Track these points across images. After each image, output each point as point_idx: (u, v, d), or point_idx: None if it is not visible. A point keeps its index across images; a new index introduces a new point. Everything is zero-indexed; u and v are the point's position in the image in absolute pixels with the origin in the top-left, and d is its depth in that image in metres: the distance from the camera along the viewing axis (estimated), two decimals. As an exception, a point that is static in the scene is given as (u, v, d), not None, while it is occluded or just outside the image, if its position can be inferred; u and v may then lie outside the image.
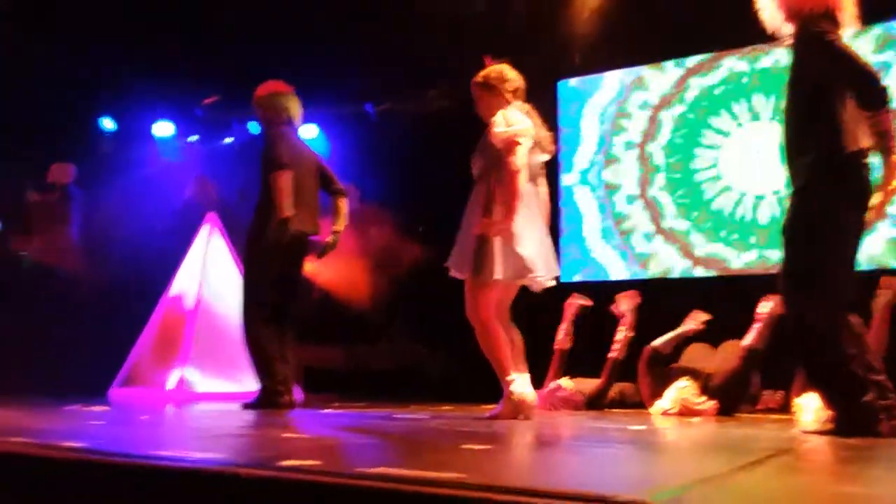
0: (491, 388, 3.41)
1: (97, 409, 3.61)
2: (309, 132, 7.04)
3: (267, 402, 3.98)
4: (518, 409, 3.25)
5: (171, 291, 5.45)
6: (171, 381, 5.02)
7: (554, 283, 3.44)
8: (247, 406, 4.01)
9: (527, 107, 3.44)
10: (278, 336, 4.11)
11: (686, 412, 3.96)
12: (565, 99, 6.40)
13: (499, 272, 3.19)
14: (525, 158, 3.22)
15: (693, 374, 4.19)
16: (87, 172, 6.37)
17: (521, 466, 1.69)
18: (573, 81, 6.37)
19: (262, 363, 4.03)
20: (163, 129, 6.97)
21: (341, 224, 4.41)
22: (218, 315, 5.22)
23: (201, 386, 5.10)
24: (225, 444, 2.11)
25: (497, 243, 3.19)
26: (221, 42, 6.00)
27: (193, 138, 7.05)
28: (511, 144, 3.20)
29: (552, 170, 6.37)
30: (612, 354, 4.55)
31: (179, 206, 6.28)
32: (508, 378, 3.23)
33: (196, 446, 1.96)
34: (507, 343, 3.27)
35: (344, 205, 4.46)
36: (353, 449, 2.05)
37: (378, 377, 6.16)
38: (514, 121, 3.27)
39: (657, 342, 4.42)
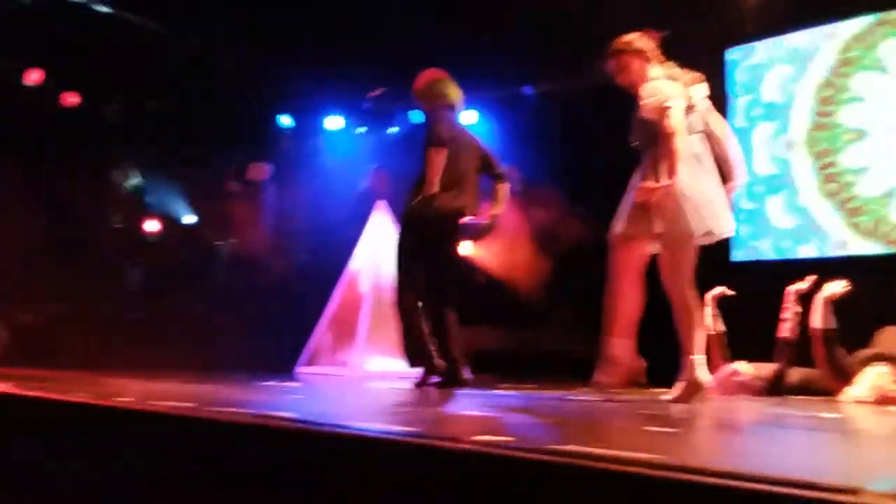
0: (657, 370, 3.34)
1: (290, 384, 3.91)
2: (469, 117, 7.17)
3: (448, 379, 4.02)
4: (695, 393, 3.17)
5: (347, 276, 5.77)
6: (350, 361, 5.34)
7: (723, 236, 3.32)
8: (419, 384, 4.08)
9: (669, 64, 3.33)
10: (431, 313, 4.14)
11: (883, 401, 3.68)
12: (736, 68, 6.08)
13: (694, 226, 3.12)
14: (680, 120, 3.13)
15: (891, 360, 3.87)
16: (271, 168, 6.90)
17: (714, 450, 1.67)
18: (744, 49, 6.04)
19: (410, 339, 4.11)
20: (334, 122, 7.37)
21: (499, 208, 4.42)
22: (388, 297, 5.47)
23: (376, 365, 5.37)
24: (416, 418, 2.24)
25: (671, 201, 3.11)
26: (383, 34, 6.22)
27: (361, 130, 7.39)
28: (662, 111, 3.12)
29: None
30: (782, 335, 4.29)
31: (354, 197, 6.62)
32: (693, 357, 3.15)
33: (386, 420, 2.09)
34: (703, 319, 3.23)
35: (503, 189, 4.47)
36: (538, 428, 2.10)
37: (542, 359, 6.19)
38: (659, 87, 3.19)
39: (817, 322, 4.10)
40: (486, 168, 4.44)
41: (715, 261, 5.89)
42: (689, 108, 3.23)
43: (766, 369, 4.33)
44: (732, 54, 6.09)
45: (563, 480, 1.32)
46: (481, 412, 2.46)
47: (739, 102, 6.11)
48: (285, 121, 7.45)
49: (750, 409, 3.25)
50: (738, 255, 6.05)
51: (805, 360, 4.28)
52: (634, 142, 3.31)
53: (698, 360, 3.18)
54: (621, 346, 3.23)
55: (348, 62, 6.48)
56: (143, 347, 5.52)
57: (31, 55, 6.39)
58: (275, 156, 7.21)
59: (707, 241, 3.25)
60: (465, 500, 1.46)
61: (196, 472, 1.96)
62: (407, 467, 1.56)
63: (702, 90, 3.37)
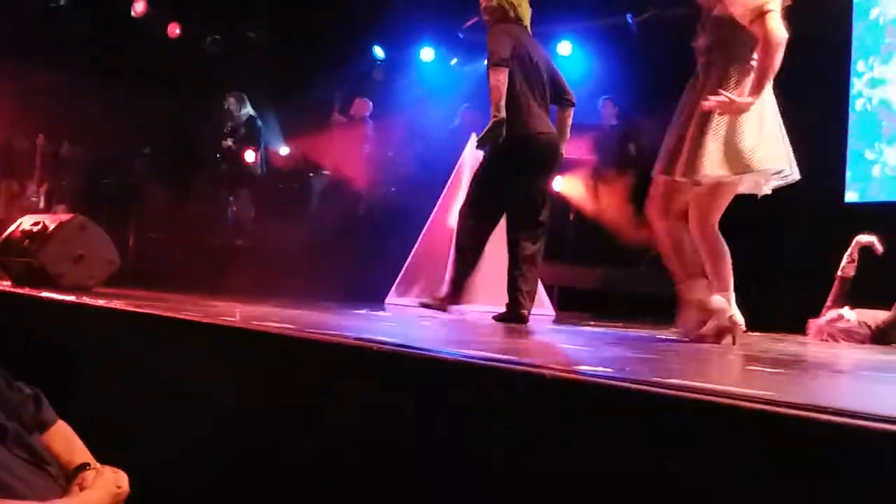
0: (746, 311, 3.19)
1: (381, 313, 4.00)
2: (563, 49, 6.95)
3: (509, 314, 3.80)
4: (727, 332, 2.91)
5: (439, 210, 5.79)
6: (440, 292, 5.39)
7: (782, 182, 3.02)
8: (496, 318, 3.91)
9: None
10: (519, 246, 3.90)
11: None
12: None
13: (720, 167, 2.79)
14: (783, 28, 2.70)
15: None
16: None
17: (830, 390, 1.61)
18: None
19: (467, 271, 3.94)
20: (427, 54, 7.30)
21: (566, 138, 4.10)
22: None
23: (466, 297, 5.41)
24: (508, 347, 2.25)
25: (715, 134, 2.78)
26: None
27: (454, 62, 7.30)
28: (760, 13, 2.68)
29: (842, 71, 5.72)
30: None
31: (447, 131, 6.60)
32: (724, 295, 2.88)
33: (482, 347, 2.10)
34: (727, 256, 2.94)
35: (570, 117, 4.11)
36: (636, 363, 2.07)
37: (633, 300, 6.09)
38: None
39: None
40: (555, 91, 4.06)
41: (829, 202, 5.68)
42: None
43: (873, 317, 4.13)
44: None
45: (669, 414, 1.29)
46: (574, 345, 2.44)
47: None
48: (379, 52, 7.43)
49: (856, 355, 3.11)
50: (852, 196, 5.73)
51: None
52: (701, 44, 2.92)
53: (729, 298, 2.94)
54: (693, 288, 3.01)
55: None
56: (245, 273, 5.74)
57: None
58: (369, 88, 7.24)
59: (772, 182, 2.97)
60: (566, 429, 1.46)
61: (294, 390, 2.04)
62: (499, 392, 1.57)
63: None
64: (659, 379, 1.41)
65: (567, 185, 6.30)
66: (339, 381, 1.97)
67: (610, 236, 5.90)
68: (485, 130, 3.73)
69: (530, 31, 4.05)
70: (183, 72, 6.73)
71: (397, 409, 1.77)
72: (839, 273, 4.37)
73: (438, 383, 1.73)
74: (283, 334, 2.18)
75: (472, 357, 1.73)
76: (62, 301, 3.25)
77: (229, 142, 6.80)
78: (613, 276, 6.31)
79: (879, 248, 4.29)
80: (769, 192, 3.05)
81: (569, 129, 4.11)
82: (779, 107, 2.95)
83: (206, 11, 6.81)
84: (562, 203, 6.49)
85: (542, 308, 5.62)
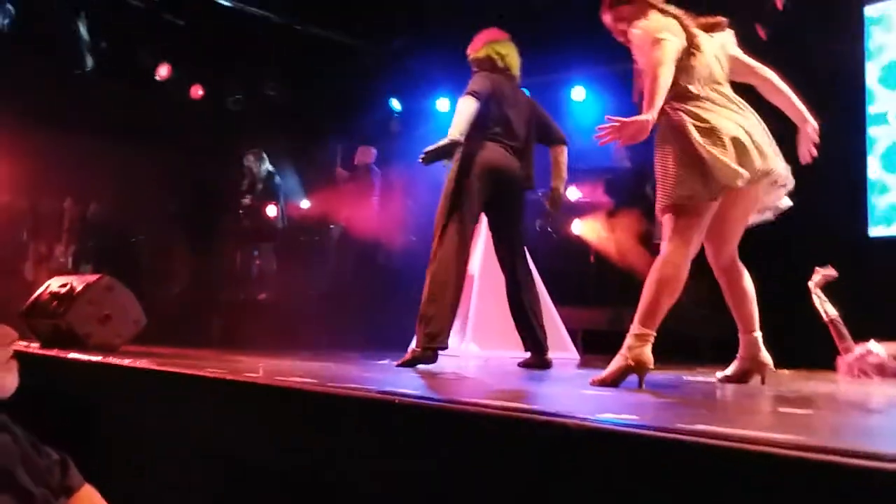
0: (774, 350, 3.13)
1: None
2: (577, 94, 7.03)
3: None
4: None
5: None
6: (460, 341, 5.37)
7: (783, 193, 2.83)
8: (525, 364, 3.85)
9: (674, 9, 2.85)
10: (524, 292, 3.85)
11: None
12: (877, 27, 5.66)
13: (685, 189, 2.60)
14: (670, 52, 2.64)
15: None
16: (382, 151, 7.05)
17: (858, 432, 1.58)
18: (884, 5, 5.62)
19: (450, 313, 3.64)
20: (442, 104, 7.41)
21: (561, 177, 4.03)
22: (497, 279, 5.45)
23: (485, 346, 5.39)
24: (530, 395, 2.24)
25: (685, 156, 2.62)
26: (494, 16, 6.17)
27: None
28: (650, 41, 2.66)
29: (858, 115, 5.74)
30: None
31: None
32: (642, 329, 2.59)
33: (505, 397, 2.09)
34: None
35: (563, 155, 4.05)
36: (661, 407, 2.05)
37: (656, 340, 6.02)
38: (653, 22, 2.74)
39: None
40: (542, 133, 4.03)
41: (852, 237, 5.64)
42: (692, 53, 2.73)
43: (904, 350, 4.05)
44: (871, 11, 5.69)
45: (693, 461, 1.28)
46: (597, 391, 2.42)
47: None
48: (396, 104, 7.56)
49: (889, 392, 3.04)
50: (876, 230, 5.67)
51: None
52: (637, 98, 2.84)
53: (755, 337, 2.84)
54: (741, 341, 2.90)
55: (458, 43, 6.51)
56: (269, 326, 5.77)
57: (161, 51, 6.77)
58: (386, 139, 7.35)
59: (738, 184, 2.65)
60: (589, 479, 1.44)
61: (318, 446, 2.04)
62: (518, 444, 1.56)
63: (726, 38, 2.94)
64: (681, 426, 1.39)
65: (586, 229, 6.31)
66: (362, 435, 1.96)
67: (631, 277, 5.87)
68: (435, 146, 3.57)
69: (519, 80, 4.04)
70: (206, 131, 6.90)
71: (424, 461, 1.76)
72: (825, 319, 4.31)
73: (465, 435, 1.72)
74: (305, 389, 2.19)
75: (495, 408, 1.72)
76: (89, 361, 3.29)
77: (249, 198, 6.92)
78: (632, 317, 6.23)
79: (833, 272, 4.27)
80: (781, 207, 2.91)
81: (565, 169, 4.06)
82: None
83: (227, 71, 7.01)
84: (581, 246, 6.49)
85: (566, 352, 5.58)
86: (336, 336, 6.07)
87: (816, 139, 2.88)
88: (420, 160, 3.61)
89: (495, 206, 3.88)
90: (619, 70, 6.84)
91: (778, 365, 2.99)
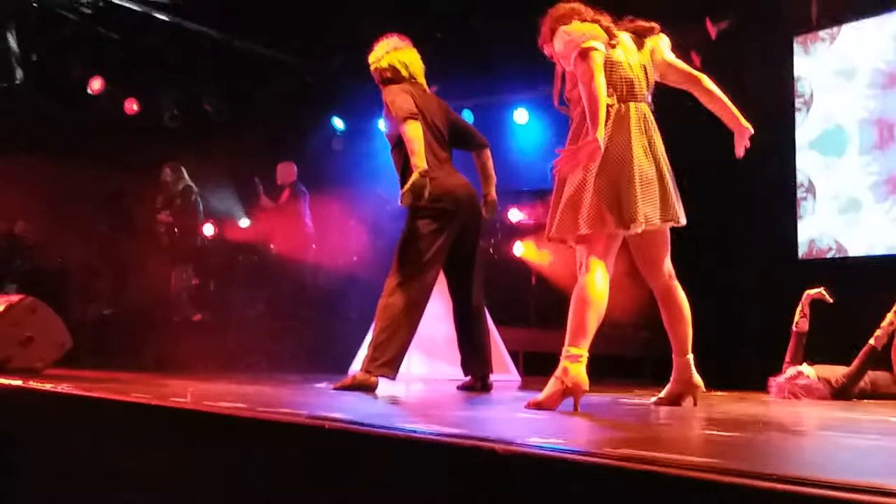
0: (709, 372, 3.17)
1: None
2: (519, 117, 7.09)
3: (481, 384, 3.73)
4: (683, 395, 2.85)
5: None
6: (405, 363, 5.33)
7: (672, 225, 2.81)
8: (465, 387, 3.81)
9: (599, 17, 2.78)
10: (471, 315, 3.80)
11: (957, 405, 3.51)
12: (805, 57, 5.90)
13: (610, 221, 2.58)
14: (600, 62, 2.58)
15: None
16: (322, 170, 6.96)
17: (778, 454, 1.60)
18: (812, 37, 5.86)
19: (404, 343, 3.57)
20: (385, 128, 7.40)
21: (492, 181, 3.92)
22: (437, 300, 5.43)
23: (423, 369, 5.36)
24: (463, 419, 2.22)
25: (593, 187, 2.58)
26: (439, 36, 6.21)
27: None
28: (577, 51, 2.56)
29: (787, 138, 5.95)
30: (871, 342, 4.09)
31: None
32: (575, 350, 2.56)
33: (438, 421, 2.07)
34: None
35: (489, 159, 3.94)
36: (591, 430, 2.05)
37: (596, 361, 6.08)
38: (577, 28, 2.66)
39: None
40: (460, 139, 3.90)
41: (782, 257, 5.81)
42: (616, 65, 2.72)
43: (833, 372, 4.17)
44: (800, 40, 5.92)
45: (613, 485, 1.28)
46: (532, 414, 2.42)
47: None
48: (338, 123, 7.51)
49: (816, 413, 3.12)
50: (805, 252, 5.86)
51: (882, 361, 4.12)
52: (558, 101, 2.85)
53: (688, 360, 2.86)
54: (675, 364, 2.92)
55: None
56: (200, 350, 5.63)
57: (93, 64, 6.59)
58: (328, 158, 7.28)
59: (636, 229, 2.67)
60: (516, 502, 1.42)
61: (246, 471, 1.98)
62: (448, 469, 1.54)
63: (658, 43, 2.90)
64: (605, 450, 1.39)
65: (527, 251, 6.36)
66: (291, 460, 1.91)
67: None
68: (408, 185, 3.41)
69: (426, 88, 3.90)
70: (141, 148, 6.72)
71: (352, 487, 1.72)
72: (794, 328, 4.43)
73: (393, 461, 1.69)
74: (232, 414, 2.12)
75: (426, 433, 1.70)
76: (8, 385, 3.14)
77: (166, 214, 6.63)
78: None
79: (828, 298, 4.37)
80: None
81: (492, 171, 3.96)
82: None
83: (164, 87, 6.86)
84: (523, 268, 6.53)
85: (507, 374, 5.59)
86: (276, 359, 5.96)
87: (748, 144, 2.93)
88: (400, 203, 3.51)
89: (458, 231, 3.75)
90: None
91: (712, 387, 3.03)
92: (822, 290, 4.39)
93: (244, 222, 7.32)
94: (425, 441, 1.64)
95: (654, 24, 2.93)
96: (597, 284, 2.61)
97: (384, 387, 3.73)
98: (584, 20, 2.75)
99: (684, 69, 2.96)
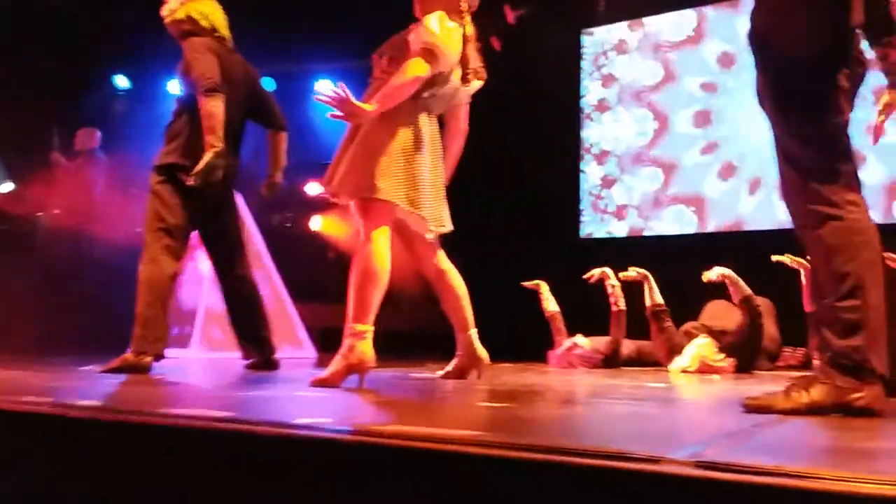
0: (498, 345, 3.28)
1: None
2: (322, 86, 6.93)
3: (264, 361, 3.57)
4: (467, 368, 2.91)
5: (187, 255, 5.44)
6: (185, 342, 5.05)
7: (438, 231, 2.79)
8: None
9: (470, 28, 2.78)
10: (239, 289, 3.64)
11: (705, 370, 3.94)
12: (591, 49, 6.28)
13: (387, 191, 2.56)
14: (426, 75, 2.59)
15: (711, 331, 4.17)
16: (103, 133, 6.36)
17: (540, 424, 1.67)
18: (598, 30, 6.26)
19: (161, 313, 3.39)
20: (175, 87, 6.91)
21: (281, 166, 3.76)
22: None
23: (214, 347, 5.12)
24: (237, 402, 2.11)
25: (387, 160, 2.58)
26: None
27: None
28: (427, 52, 2.59)
29: (574, 125, 6.33)
30: (613, 308, 4.52)
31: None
32: (359, 326, 2.54)
33: (209, 404, 1.95)
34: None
35: (283, 143, 3.76)
36: (366, 408, 2.03)
37: (394, 337, 6.15)
38: (444, 29, 2.65)
39: (648, 299, 4.42)
40: (260, 113, 3.69)
41: (565, 239, 6.20)
42: (447, 76, 2.71)
43: (603, 343, 4.52)
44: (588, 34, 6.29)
45: (382, 462, 1.25)
46: (314, 392, 2.35)
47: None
48: (122, 82, 6.91)
49: (585, 381, 3.34)
50: (586, 233, 6.29)
51: (643, 332, 4.53)
52: (376, 66, 2.76)
53: (470, 335, 2.90)
54: (458, 339, 2.94)
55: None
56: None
57: None
58: (109, 119, 6.66)
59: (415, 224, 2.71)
60: (281, 486, 1.36)
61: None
62: (223, 453, 1.44)
63: (475, 85, 2.86)
64: (368, 426, 1.36)
65: (324, 225, 6.25)
66: (32, 454, 1.70)
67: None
68: (202, 163, 3.21)
69: (230, 43, 3.64)
70: None
71: (100, 480, 1.56)
72: (545, 315, 4.77)
73: (150, 450, 1.55)
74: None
75: (182, 416, 1.58)
76: None
77: None
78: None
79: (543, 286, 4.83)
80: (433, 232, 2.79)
81: (284, 157, 3.78)
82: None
83: None
84: (321, 242, 6.42)
85: (302, 349, 5.48)
86: (46, 338, 5.40)
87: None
88: (191, 183, 3.24)
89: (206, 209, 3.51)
90: (362, 66, 6.90)
91: (501, 359, 3.13)
92: (536, 281, 4.81)
93: (5, 187, 6.53)
94: (181, 427, 1.52)
95: (484, 73, 2.86)
96: (378, 256, 2.57)
97: (168, 366, 3.49)
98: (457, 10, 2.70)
99: (464, 118, 2.94)
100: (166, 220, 3.41)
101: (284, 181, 3.94)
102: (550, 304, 4.77)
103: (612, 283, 4.53)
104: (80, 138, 6.29)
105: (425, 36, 2.63)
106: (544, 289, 4.82)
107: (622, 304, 4.51)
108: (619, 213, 6.19)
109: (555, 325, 4.72)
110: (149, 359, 3.25)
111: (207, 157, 3.23)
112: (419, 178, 2.65)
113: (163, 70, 6.84)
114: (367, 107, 2.50)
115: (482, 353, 2.96)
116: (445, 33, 2.65)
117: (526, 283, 4.86)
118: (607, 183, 6.24)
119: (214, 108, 3.26)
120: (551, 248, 6.14)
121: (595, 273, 4.63)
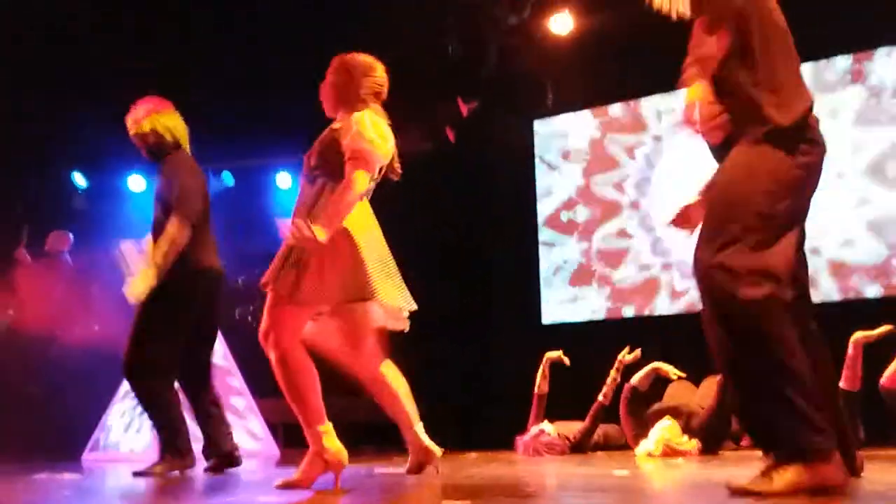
0: (461, 434, 3.25)
1: (67, 476, 3.47)
2: (282, 181, 7.00)
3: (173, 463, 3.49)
4: (423, 464, 2.85)
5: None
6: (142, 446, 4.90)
7: (406, 317, 2.74)
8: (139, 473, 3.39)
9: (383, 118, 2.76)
10: (203, 393, 3.71)
11: (670, 453, 3.94)
12: (544, 138, 6.50)
13: (329, 295, 2.53)
14: (371, 178, 2.62)
15: (675, 413, 4.19)
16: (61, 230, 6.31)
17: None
18: (550, 120, 6.49)
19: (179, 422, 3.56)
20: (137, 183, 6.93)
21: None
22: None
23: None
24: None
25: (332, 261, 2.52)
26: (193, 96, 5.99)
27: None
28: (364, 162, 2.56)
29: (530, 207, 6.46)
30: (600, 398, 4.49)
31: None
32: (321, 428, 2.55)
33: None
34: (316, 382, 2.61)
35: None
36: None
37: (361, 429, 6.03)
38: (378, 131, 2.63)
39: (634, 379, 4.44)
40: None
41: (526, 322, 6.23)
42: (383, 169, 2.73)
43: (571, 428, 4.51)
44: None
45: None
46: (287, 497, 2.30)
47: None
48: (79, 180, 6.90)
49: (552, 471, 3.31)
50: (547, 318, 6.33)
51: (612, 415, 4.53)
52: (306, 167, 2.71)
53: (417, 431, 2.84)
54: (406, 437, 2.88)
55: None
56: None
57: None
58: (68, 218, 6.62)
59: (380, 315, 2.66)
60: None
61: None
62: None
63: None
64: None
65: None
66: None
67: (334, 367, 5.83)
68: (138, 279, 3.36)
69: (189, 153, 3.72)
70: None
71: None
72: (535, 391, 4.75)
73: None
74: None
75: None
76: None
77: None
78: (338, 406, 6.20)
79: (566, 360, 4.77)
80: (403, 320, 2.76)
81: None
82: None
83: None
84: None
85: (266, 446, 5.33)
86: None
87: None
88: (130, 293, 3.41)
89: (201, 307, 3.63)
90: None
91: (465, 448, 3.08)
92: (559, 353, 4.78)
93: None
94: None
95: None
96: (301, 358, 2.57)
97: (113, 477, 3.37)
98: (364, 99, 2.71)
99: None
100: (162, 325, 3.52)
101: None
102: (545, 383, 4.72)
103: (614, 375, 4.46)
104: (52, 240, 6.27)
105: (359, 142, 2.57)
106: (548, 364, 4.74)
107: (609, 398, 4.46)
108: (572, 301, 6.26)
109: (539, 406, 4.67)
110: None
111: (148, 273, 3.39)
112: (390, 268, 2.63)
113: (121, 166, 6.88)
114: (320, 234, 2.43)
115: (432, 447, 2.87)
116: (378, 133, 2.62)
117: (550, 354, 4.72)
118: (568, 264, 6.34)
119: (181, 237, 3.43)
120: (512, 330, 6.19)
121: (627, 357, 4.54)
